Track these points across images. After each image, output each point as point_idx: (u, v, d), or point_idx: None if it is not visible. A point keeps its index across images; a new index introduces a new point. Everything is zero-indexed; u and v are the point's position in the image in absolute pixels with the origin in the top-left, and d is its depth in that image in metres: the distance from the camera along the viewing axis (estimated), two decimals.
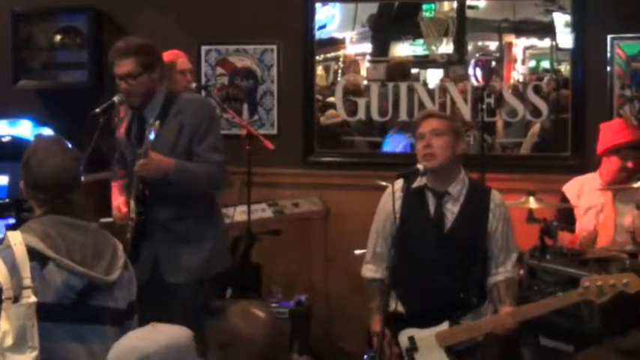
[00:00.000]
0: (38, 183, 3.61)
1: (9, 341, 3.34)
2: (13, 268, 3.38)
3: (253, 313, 3.12)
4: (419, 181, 4.65)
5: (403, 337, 4.60)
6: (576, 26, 6.61)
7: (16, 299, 3.36)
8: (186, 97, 5.14)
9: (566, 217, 5.75)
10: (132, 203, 4.99)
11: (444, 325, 4.55)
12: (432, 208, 4.66)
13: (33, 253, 3.42)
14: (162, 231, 4.95)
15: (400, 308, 4.65)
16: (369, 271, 4.87)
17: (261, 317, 3.13)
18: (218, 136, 5.07)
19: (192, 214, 5.00)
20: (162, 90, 5.00)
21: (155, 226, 4.95)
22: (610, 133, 5.76)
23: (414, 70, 7.03)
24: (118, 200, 5.19)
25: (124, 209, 5.10)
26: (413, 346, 4.58)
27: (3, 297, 3.36)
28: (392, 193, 4.65)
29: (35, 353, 3.37)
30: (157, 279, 4.93)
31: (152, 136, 4.68)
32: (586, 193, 5.77)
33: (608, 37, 6.52)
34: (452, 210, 4.65)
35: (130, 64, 4.87)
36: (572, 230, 5.72)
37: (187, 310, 4.72)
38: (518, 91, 6.79)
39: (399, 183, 4.67)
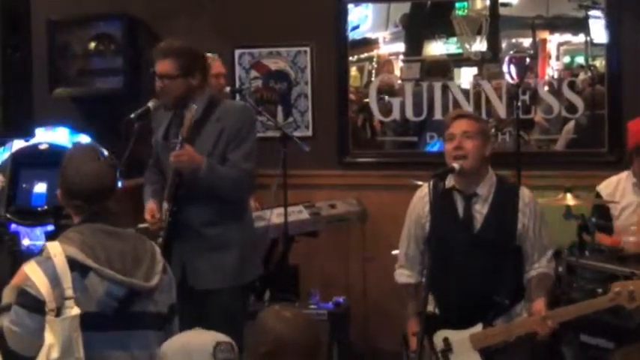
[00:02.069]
0: (74, 190, 3.62)
1: (55, 354, 3.34)
2: (55, 280, 3.39)
3: (289, 316, 3.12)
4: (447, 183, 4.63)
5: (438, 338, 4.59)
6: (611, 21, 6.57)
7: (58, 310, 3.37)
8: (228, 103, 5.16)
9: (602, 214, 5.71)
10: (165, 205, 4.99)
11: (478, 327, 4.53)
12: (460, 209, 4.65)
13: (73, 264, 3.43)
14: (192, 236, 4.94)
15: (436, 310, 4.65)
16: (403, 276, 4.86)
17: (299, 318, 3.13)
18: (253, 144, 5.04)
19: (223, 220, 4.98)
20: (204, 95, 5.00)
21: (186, 231, 4.94)
22: (632, 132, 5.72)
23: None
24: (151, 204, 5.18)
25: (158, 215, 5.10)
26: (447, 347, 4.57)
27: (46, 309, 3.36)
28: (421, 198, 4.68)
29: None
30: (187, 286, 4.92)
31: (191, 116, 4.71)
32: (620, 191, 5.73)
33: None
34: (480, 211, 4.64)
35: (167, 65, 4.87)
36: (608, 227, 5.67)
37: (218, 316, 4.73)
38: (553, 88, 6.76)
39: (427, 186, 4.69)
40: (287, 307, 3.24)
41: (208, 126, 4.92)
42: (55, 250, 3.44)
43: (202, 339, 3.04)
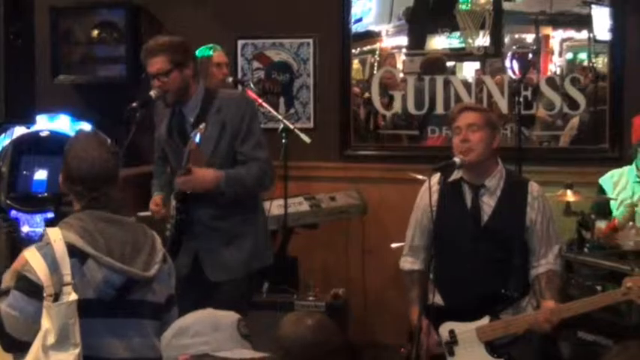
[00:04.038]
0: (74, 176, 3.63)
1: (51, 339, 3.35)
2: (54, 265, 3.39)
3: (312, 324, 3.08)
4: (455, 175, 4.63)
5: (444, 329, 4.60)
6: (614, 17, 6.57)
7: (56, 296, 3.37)
8: (225, 94, 5.13)
9: (603, 209, 5.71)
10: (173, 202, 5.01)
11: (485, 320, 4.54)
12: (468, 201, 4.65)
13: (72, 250, 3.43)
14: (204, 230, 4.96)
15: (440, 301, 4.66)
16: (408, 262, 4.87)
17: (322, 323, 3.11)
18: (260, 133, 5.06)
19: (235, 213, 5.00)
20: (199, 87, 5.01)
21: (198, 225, 4.97)
22: (638, 127, 5.72)
23: (450, 63, 7.00)
24: (156, 196, 5.20)
25: (160, 203, 5.12)
26: (453, 339, 4.58)
27: (44, 294, 3.37)
28: (429, 188, 4.66)
29: (77, 350, 3.37)
30: (198, 276, 4.96)
31: (198, 139, 4.65)
32: (622, 185, 5.74)
33: None
34: (489, 203, 4.63)
35: (160, 62, 4.86)
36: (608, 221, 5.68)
37: (229, 307, 4.76)
38: (555, 84, 6.76)
39: (437, 177, 4.63)
40: (308, 314, 3.20)
41: (209, 119, 4.90)
42: (55, 235, 3.45)
43: (225, 314, 3.02)
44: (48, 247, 3.43)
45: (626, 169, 5.78)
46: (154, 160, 5.38)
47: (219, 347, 2.87)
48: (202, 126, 4.69)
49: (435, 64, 7.01)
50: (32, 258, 3.43)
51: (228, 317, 2.98)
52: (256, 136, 4.99)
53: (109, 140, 3.86)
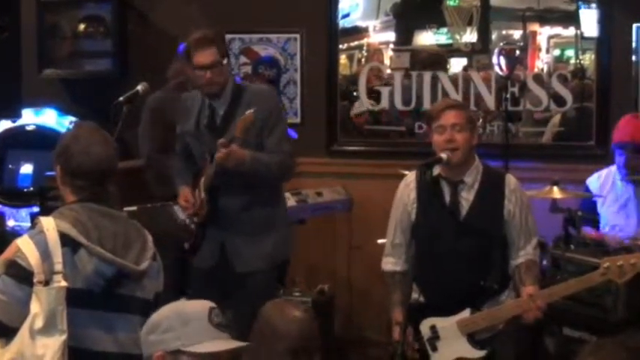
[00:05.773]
0: (79, 170, 3.60)
1: (39, 324, 3.36)
2: (45, 253, 3.40)
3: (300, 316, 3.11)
4: (434, 171, 4.62)
5: (425, 326, 4.61)
6: (601, 15, 6.58)
7: (46, 283, 3.38)
8: (254, 88, 5.30)
9: (589, 208, 5.72)
10: (202, 194, 5.07)
11: (466, 313, 4.54)
12: (447, 197, 4.65)
13: (65, 239, 3.44)
14: (232, 220, 5.08)
15: (421, 298, 4.67)
16: (389, 264, 4.86)
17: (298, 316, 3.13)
18: (285, 126, 5.27)
19: (262, 203, 5.14)
20: (229, 80, 5.12)
21: (226, 216, 5.08)
22: (618, 128, 5.72)
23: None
24: (185, 190, 5.24)
25: (192, 199, 5.16)
26: (435, 334, 4.58)
27: (34, 280, 3.37)
28: (407, 185, 4.69)
29: (64, 337, 3.38)
30: (223, 268, 5.10)
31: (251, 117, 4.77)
32: (609, 185, 5.74)
33: (634, 25, 6.48)
34: (467, 198, 4.64)
35: (214, 54, 4.97)
36: (595, 220, 5.68)
37: (255, 299, 4.82)
38: (542, 80, 6.76)
39: (413, 174, 4.71)
40: (292, 303, 3.23)
41: (239, 112, 4.99)
42: (49, 224, 3.45)
43: (195, 305, 3.02)
44: (41, 235, 3.44)
45: (612, 168, 5.79)
46: (173, 156, 5.46)
47: (190, 341, 2.88)
48: (251, 111, 4.77)
49: (428, 59, 7.00)
50: (25, 245, 3.44)
51: (199, 308, 2.98)
52: (281, 130, 5.15)
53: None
